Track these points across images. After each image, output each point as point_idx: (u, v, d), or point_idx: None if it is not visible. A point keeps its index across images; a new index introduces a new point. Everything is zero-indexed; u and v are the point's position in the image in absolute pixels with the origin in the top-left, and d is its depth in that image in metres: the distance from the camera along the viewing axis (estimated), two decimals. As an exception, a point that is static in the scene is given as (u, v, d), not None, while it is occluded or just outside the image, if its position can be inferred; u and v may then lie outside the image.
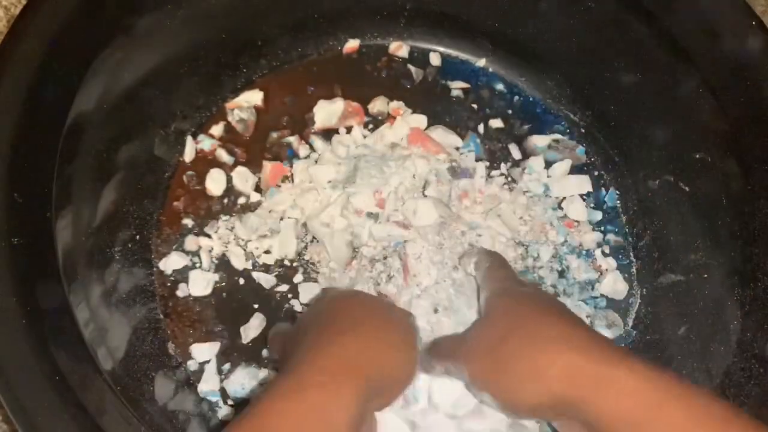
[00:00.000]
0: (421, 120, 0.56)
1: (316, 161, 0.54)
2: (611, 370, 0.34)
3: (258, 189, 0.54)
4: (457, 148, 0.55)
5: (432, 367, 0.44)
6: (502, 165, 0.56)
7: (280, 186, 0.53)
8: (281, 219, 0.52)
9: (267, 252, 0.51)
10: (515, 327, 0.39)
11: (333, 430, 0.33)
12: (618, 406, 0.34)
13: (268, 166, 0.54)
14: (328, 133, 0.56)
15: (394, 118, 0.56)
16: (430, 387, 0.45)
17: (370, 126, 0.56)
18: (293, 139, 0.55)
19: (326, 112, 0.55)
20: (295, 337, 0.40)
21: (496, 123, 0.57)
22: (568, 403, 0.35)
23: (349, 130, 0.55)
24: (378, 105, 0.56)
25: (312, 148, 0.55)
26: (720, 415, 0.33)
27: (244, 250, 0.51)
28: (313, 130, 0.56)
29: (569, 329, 0.37)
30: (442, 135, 0.55)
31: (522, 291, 0.43)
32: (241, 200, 0.53)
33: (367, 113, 0.57)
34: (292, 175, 0.54)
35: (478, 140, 0.56)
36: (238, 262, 0.51)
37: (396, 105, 0.56)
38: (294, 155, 0.55)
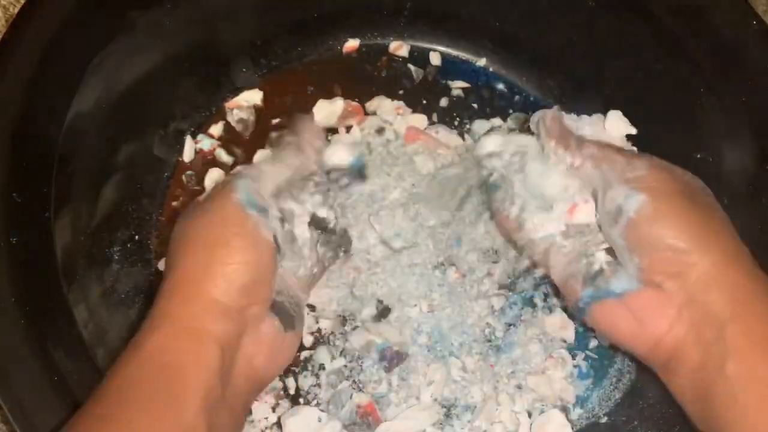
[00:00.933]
0: (421, 120, 0.56)
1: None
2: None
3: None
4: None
5: (579, 150, 0.40)
6: (502, 165, 0.55)
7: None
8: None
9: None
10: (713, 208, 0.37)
11: (187, 367, 0.32)
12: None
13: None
14: (328, 133, 0.56)
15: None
16: None
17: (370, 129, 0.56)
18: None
19: (326, 111, 0.55)
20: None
21: (497, 123, 0.57)
22: (718, 287, 0.34)
23: (348, 129, 0.55)
24: (375, 104, 0.56)
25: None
26: None
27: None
28: (313, 130, 0.56)
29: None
30: (443, 134, 0.55)
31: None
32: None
33: (365, 112, 0.56)
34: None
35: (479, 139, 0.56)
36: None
37: (396, 104, 0.56)
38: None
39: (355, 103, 0.56)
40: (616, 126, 0.45)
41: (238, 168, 0.41)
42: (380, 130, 0.55)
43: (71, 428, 0.31)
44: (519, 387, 0.48)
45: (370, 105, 0.56)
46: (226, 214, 0.36)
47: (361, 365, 0.48)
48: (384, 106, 0.56)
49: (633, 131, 0.44)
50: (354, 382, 0.47)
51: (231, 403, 0.34)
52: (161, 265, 0.50)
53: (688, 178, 0.39)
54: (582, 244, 0.41)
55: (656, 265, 0.36)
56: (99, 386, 0.32)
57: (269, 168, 0.41)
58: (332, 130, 0.56)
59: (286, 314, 0.38)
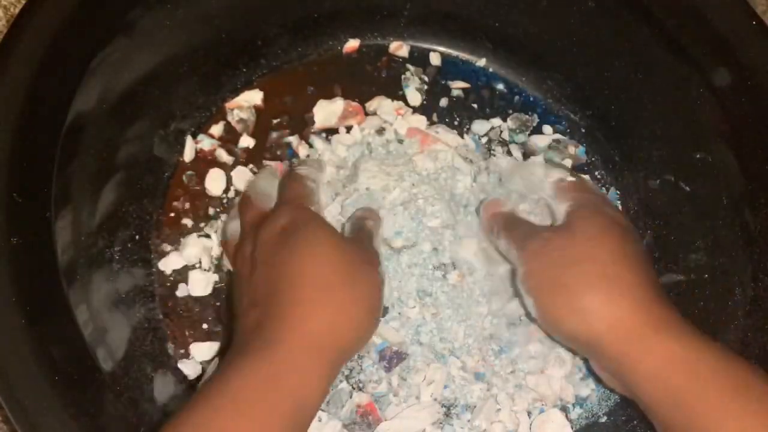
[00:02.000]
0: (421, 120, 0.56)
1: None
2: (658, 334, 0.35)
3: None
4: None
5: (498, 239, 0.45)
6: (502, 165, 0.56)
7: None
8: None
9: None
10: (594, 252, 0.38)
11: (305, 411, 0.35)
12: (654, 370, 0.35)
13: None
14: (328, 133, 0.56)
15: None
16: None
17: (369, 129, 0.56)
18: (293, 139, 0.55)
19: (326, 111, 0.55)
20: (251, 268, 0.40)
21: (496, 123, 0.57)
22: (605, 352, 0.37)
23: (349, 129, 0.55)
24: (375, 104, 0.56)
25: (312, 148, 0.55)
26: (762, 396, 0.33)
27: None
28: (313, 130, 0.56)
29: (639, 281, 0.38)
30: (443, 134, 0.55)
31: (612, 217, 0.41)
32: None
33: (365, 112, 0.56)
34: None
35: (479, 139, 0.56)
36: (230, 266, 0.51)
37: (397, 105, 0.56)
38: (294, 155, 0.55)
39: (355, 104, 0.56)
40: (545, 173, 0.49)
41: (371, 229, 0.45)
42: (380, 131, 0.55)
43: (190, 417, 0.33)
44: (519, 387, 0.48)
45: (370, 105, 0.56)
46: (372, 278, 0.40)
47: (360, 365, 0.48)
48: (384, 106, 0.56)
49: (566, 174, 0.47)
50: (354, 381, 0.47)
51: None
52: (162, 264, 0.50)
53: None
54: None
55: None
56: (217, 383, 0.34)
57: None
58: (332, 131, 0.56)
59: None
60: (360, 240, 0.43)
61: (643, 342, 0.36)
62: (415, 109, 0.57)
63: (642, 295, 0.37)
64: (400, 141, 0.55)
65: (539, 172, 0.47)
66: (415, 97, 0.57)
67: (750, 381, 0.34)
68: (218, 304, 0.50)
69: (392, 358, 0.47)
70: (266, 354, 0.35)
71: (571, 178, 0.45)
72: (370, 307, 0.39)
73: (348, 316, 0.38)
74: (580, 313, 0.37)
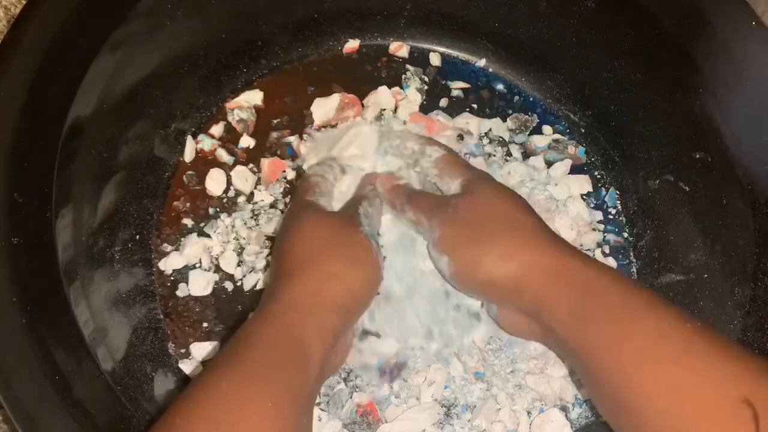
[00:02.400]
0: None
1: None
2: (566, 264, 0.40)
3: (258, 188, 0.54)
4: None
5: (403, 212, 0.48)
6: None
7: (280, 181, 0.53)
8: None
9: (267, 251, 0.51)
10: (498, 210, 0.43)
11: (311, 344, 0.37)
12: (563, 292, 0.39)
13: (266, 162, 0.54)
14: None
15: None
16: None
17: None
18: (293, 139, 0.55)
19: (323, 108, 0.56)
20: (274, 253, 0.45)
21: (496, 123, 0.57)
22: (521, 289, 0.41)
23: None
24: (373, 97, 0.56)
25: (314, 141, 0.55)
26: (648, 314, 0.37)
27: (240, 252, 0.51)
28: (312, 128, 0.56)
29: (541, 225, 0.43)
30: (445, 122, 0.56)
31: (502, 184, 0.47)
32: (241, 200, 0.53)
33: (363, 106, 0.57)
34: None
35: (478, 140, 0.56)
36: (229, 267, 0.51)
37: (394, 90, 0.57)
38: (294, 154, 0.55)
39: (351, 95, 0.56)
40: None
41: (359, 199, 0.48)
42: (379, 117, 0.56)
43: (208, 381, 0.35)
44: (519, 387, 0.48)
45: (368, 101, 0.56)
46: (356, 239, 0.43)
47: (361, 377, 0.48)
48: (381, 92, 0.56)
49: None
50: (352, 386, 0.47)
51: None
52: (162, 264, 0.50)
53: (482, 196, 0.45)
54: None
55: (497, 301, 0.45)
56: (229, 348, 0.37)
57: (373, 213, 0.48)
58: (332, 126, 0.56)
59: None
60: (344, 211, 0.47)
61: (561, 276, 0.40)
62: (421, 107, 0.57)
63: (548, 236, 0.42)
64: (399, 120, 0.55)
65: (408, 145, 0.51)
66: (415, 97, 0.57)
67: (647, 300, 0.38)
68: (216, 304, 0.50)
69: (392, 371, 0.47)
70: (259, 324, 0.38)
71: (442, 151, 0.49)
72: (361, 263, 0.43)
73: (338, 275, 0.41)
74: (498, 259, 0.41)
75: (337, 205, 0.49)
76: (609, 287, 0.38)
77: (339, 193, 0.51)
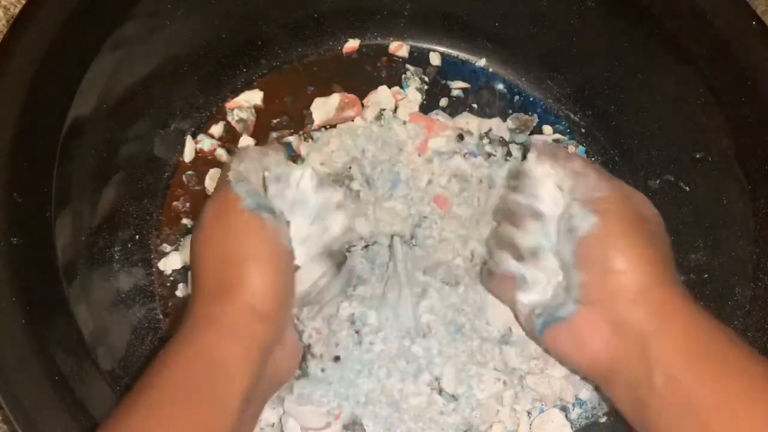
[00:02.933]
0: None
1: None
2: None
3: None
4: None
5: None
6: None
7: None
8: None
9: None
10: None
11: (231, 365, 0.34)
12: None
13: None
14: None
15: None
16: None
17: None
18: (293, 139, 0.55)
19: (323, 108, 0.55)
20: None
21: (495, 123, 0.57)
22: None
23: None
24: (373, 97, 0.56)
25: (315, 142, 0.55)
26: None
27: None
28: (312, 128, 0.56)
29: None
30: (445, 121, 0.56)
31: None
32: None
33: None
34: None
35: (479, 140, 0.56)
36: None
37: (394, 90, 0.57)
38: (294, 154, 0.55)
39: (351, 95, 0.56)
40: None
41: (228, 163, 0.41)
42: (379, 117, 0.55)
43: (120, 416, 0.32)
44: (519, 386, 0.48)
45: (368, 101, 0.56)
46: (241, 223, 0.37)
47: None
48: (381, 92, 0.56)
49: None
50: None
51: (257, 402, 0.37)
52: (162, 264, 0.50)
53: (641, 205, 0.41)
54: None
55: (594, 284, 0.38)
56: (144, 377, 0.34)
57: (258, 156, 0.41)
58: (332, 126, 0.56)
59: None
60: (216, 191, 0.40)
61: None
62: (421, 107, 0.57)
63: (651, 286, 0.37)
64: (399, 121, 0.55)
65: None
66: (415, 97, 0.57)
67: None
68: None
69: None
70: (173, 347, 0.36)
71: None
72: (258, 253, 0.36)
73: (241, 275, 0.36)
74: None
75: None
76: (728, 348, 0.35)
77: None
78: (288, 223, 0.40)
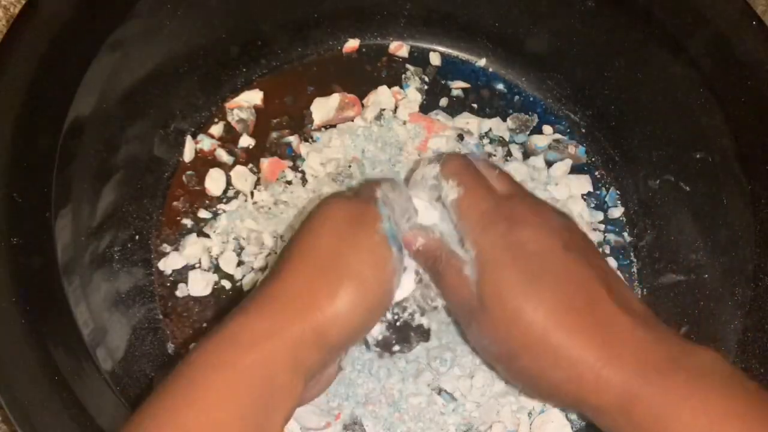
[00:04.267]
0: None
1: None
2: (668, 408, 0.31)
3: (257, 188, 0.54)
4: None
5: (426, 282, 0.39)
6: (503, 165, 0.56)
7: (280, 181, 0.53)
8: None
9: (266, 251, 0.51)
10: (531, 344, 0.33)
11: (280, 393, 0.31)
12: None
13: (265, 162, 0.54)
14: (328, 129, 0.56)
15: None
16: None
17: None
18: (293, 139, 0.55)
19: (323, 108, 0.55)
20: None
21: (495, 123, 0.57)
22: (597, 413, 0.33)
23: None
24: (372, 98, 0.56)
25: (313, 143, 0.55)
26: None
27: (239, 252, 0.51)
28: (312, 128, 0.56)
29: (622, 328, 0.33)
30: (445, 121, 0.56)
31: (534, 274, 0.34)
32: (241, 200, 0.53)
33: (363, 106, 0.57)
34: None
35: (479, 140, 0.56)
36: (229, 267, 0.51)
37: (395, 89, 0.57)
38: (294, 154, 0.55)
39: (351, 95, 0.56)
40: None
41: (378, 184, 0.39)
42: (379, 117, 0.56)
43: (159, 409, 0.31)
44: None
45: (368, 101, 0.56)
46: (371, 242, 0.34)
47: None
48: (381, 92, 0.56)
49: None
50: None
51: None
52: (162, 264, 0.50)
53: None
54: None
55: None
56: (185, 370, 0.32)
57: (406, 198, 0.39)
58: (332, 126, 0.56)
59: None
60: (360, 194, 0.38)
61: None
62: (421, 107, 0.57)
63: (638, 346, 0.33)
64: (404, 122, 0.55)
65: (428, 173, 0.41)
66: (415, 97, 0.57)
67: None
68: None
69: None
70: (227, 348, 0.32)
71: (456, 191, 0.38)
72: (368, 284, 0.34)
73: (335, 295, 0.33)
74: (550, 394, 0.35)
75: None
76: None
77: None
78: (405, 269, 0.38)
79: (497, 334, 0.34)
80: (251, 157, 0.55)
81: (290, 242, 0.36)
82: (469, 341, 0.36)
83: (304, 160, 0.54)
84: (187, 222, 0.52)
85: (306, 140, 0.55)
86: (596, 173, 0.57)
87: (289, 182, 0.53)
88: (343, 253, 0.34)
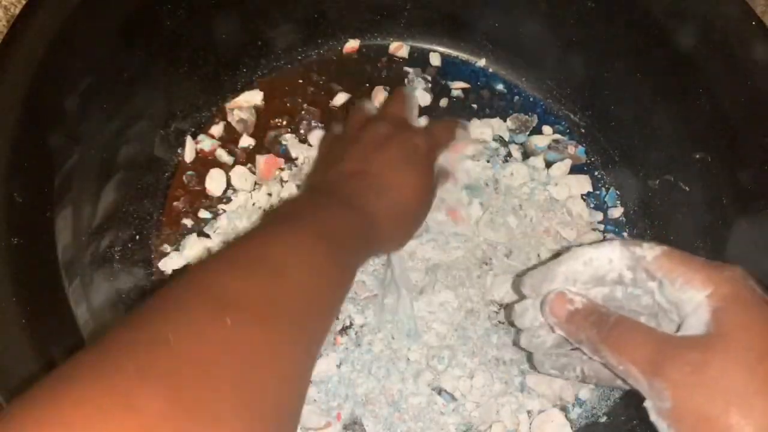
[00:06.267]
0: (421, 121, 0.56)
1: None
2: None
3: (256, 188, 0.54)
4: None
5: (591, 349, 0.34)
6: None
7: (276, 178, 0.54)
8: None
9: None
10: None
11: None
12: None
13: (261, 160, 0.54)
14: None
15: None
16: None
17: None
18: (289, 137, 0.55)
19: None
20: (343, 152, 0.45)
21: (495, 123, 0.57)
22: None
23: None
24: (380, 98, 0.56)
25: (311, 147, 0.55)
26: None
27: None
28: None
29: None
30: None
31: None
32: (241, 200, 0.53)
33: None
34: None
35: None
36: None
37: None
38: (287, 153, 0.55)
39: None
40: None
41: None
42: None
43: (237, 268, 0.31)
44: (519, 386, 0.48)
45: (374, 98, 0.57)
46: (429, 171, 0.46)
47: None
48: (379, 96, 0.56)
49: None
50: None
51: None
52: (162, 264, 0.50)
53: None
54: None
55: None
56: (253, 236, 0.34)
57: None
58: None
59: None
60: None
61: None
62: (420, 110, 0.57)
63: None
64: None
65: (598, 255, 0.36)
66: (424, 98, 0.57)
67: None
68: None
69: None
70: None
71: (662, 247, 0.34)
72: (425, 202, 0.45)
73: (400, 229, 0.43)
74: None
75: None
76: None
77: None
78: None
79: (740, 364, 0.29)
80: (251, 157, 0.55)
81: (363, 138, 0.46)
82: (665, 386, 0.30)
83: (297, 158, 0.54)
84: (188, 222, 0.52)
85: (303, 142, 0.55)
86: (596, 173, 0.57)
87: (285, 182, 0.53)
88: (418, 168, 0.45)
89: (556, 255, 0.39)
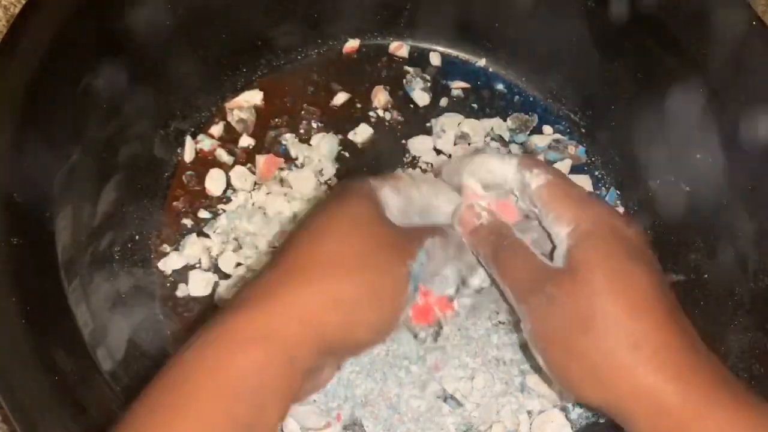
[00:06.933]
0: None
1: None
2: (698, 417, 0.30)
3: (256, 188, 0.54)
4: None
5: (484, 261, 0.38)
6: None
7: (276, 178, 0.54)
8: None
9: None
10: (608, 314, 0.32)
11: (270, 402, 0.30)
12: None
13: (261, 159, 0.54)
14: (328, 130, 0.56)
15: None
16: None
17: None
18: (288, 137, 0.55)
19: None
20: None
21: (495, 123, 0.57)
22: (635, 426, 0.32)
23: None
24: (380, 98, 0.56)
25: (311, 146, 0.55)
26: None
27: (238, 251, 0.51)
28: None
29: (669, 340, 0.32)
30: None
31: (625, 247, 0.34)
32: (241, 200, 0.53)
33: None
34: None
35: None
36: (228, 267, 0.51)
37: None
38: (286, 152, 0.55)
39: None
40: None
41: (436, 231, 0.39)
42: None
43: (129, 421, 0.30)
44: (519, 386, 0.48)
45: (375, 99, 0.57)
46: (395, 271, 0.34)
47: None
48: (379, 96, 0.57)
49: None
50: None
51: None
52: (162, 264, 0.50)
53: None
54: None
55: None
56: (170, 375, 0.30)
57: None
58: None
59: None
60: (406, 232, 0.37)
61: (682, 426, 0.31)
62: (419, 110, 0.57)
63: (674, 358, 0.32)
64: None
65: (498, 168, 0.39)
66: (422, 98, 0.57)
67: None
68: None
69: None
70: (216, 350, 0.30)
71: (548, 177, 0.37)
72: (381, 306, 0.33)
73: (348, 307, 0.32)
74: (602, 385, 0.32)
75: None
76: None
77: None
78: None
79: (578, 300, 0.33)
80: (251, 158, 0.55)
81: (301, 229, 0.34)
82: (527, 311, 0.35)
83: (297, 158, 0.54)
84: (187, 222, 0.52)
85: (302, 141, 0.55)
86: (596, 173, 0.57)
87: (283, 180, 0.53)
88: (375, 268, 0.33)
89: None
